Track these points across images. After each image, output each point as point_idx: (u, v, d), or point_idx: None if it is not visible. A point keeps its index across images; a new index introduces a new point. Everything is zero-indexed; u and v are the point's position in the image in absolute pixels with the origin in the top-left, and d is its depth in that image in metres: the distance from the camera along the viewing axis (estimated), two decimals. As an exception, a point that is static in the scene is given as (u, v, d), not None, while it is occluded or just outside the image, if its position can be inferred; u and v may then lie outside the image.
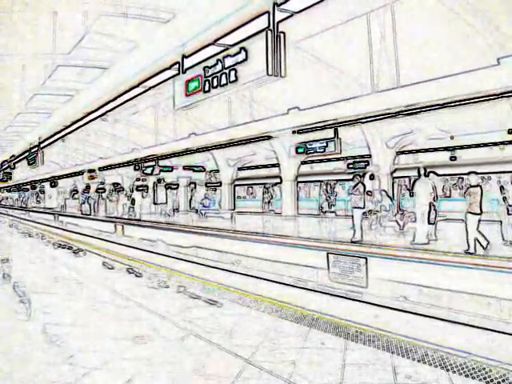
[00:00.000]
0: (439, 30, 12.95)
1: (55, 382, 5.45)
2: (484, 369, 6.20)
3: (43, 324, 7.59)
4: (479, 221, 11.22)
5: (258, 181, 31.70)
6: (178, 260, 16.69)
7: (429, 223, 12.18)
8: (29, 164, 27.61)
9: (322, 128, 17.01)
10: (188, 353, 6.32)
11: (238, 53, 8.85)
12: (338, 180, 26.61)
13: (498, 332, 8.54)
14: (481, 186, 11.48)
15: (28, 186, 54.94)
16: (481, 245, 11.16)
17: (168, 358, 6.14)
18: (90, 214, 34.08)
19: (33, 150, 26.79)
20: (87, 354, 6.24)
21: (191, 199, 33.54)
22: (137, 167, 29.02)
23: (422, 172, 13.02)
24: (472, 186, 11.50)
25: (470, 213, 11.31)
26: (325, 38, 14.23)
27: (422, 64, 13.80)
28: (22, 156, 30.40)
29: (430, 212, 12.36)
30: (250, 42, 8.76)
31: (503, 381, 5.94)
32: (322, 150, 17.36)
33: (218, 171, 29.67)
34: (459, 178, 20.86)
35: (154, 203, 32.71)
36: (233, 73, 9.00)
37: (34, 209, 50.94)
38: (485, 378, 5.95)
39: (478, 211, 11.24)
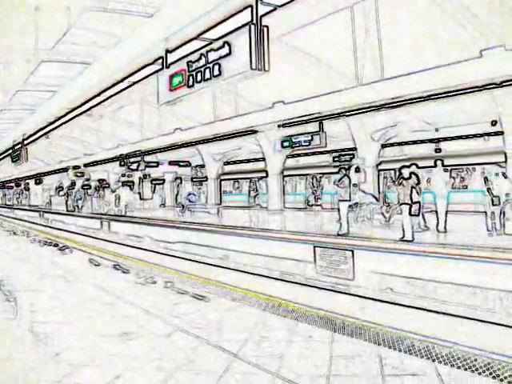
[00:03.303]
0: (422, 22, 13.01)
1: (42, 381, 5.42)
2: (469, 358, 6.27)
3: (30, 322, 7.55)
4: (410, 210, 12.19)
5: (244, 175, 31.68)
6: (165, 255, 16.65)
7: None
8: (13, 161, 27.37)
9: (307, 121, 17.04)
10: (175, 348, 6.32)
11: (222, 47, 8.82)
12: (323, 173, 26.67)
13: (484, 322, 8.63)
14: (414, 178, 12.43)
15: (12, 184, 54.51)
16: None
17: (155, 353, 6.13)
18: (75, 211, 33.85)
19: (16, 147, 26.55)
20: (74, 352, 6.22)
21: (177, 194, 33.47)
22: (122, 163, 28.88)
23: (440, 163, 14.09)
24: (404, 179, 12.38)
25: (404, 203, 12.26)
26: (309, 32, 14.23)
27: (406, 57, 13.86)
28: (6, 153, 30.13)
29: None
30: (233, 36, 8.73)
31: (487, 369, 6.01)
32: (307, 144, 17.40)
33: (203, 166, 29.61)
34: (444, 170, 20.99)
35: (140, 199, 32.61)
36: (216, 67, 8.97)
37: (20, 206, 50.51)
38: (470, 368, 6.02)
39: (409, 201, 12.17)
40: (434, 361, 6.12)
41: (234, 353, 6.12)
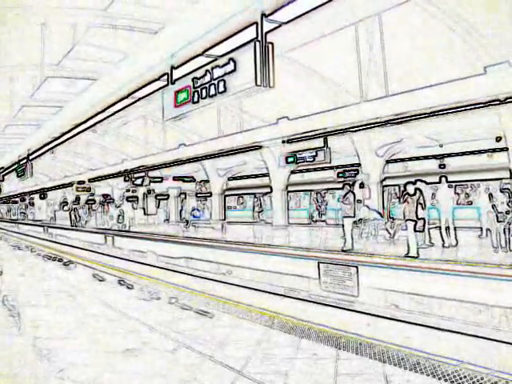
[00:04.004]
0: (427, 39, 13.06)
1: (45, 397, 5.39)
2: (476, 376, 6.20)
3: (33, 338, 7.52)
4: (415, 226, 12.15)
5: (249, 190, 31.69)
6: (170, 271, 16.62)
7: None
8: (18, 176, 27.40)
9: (311, 137, 17.08)
10: (179, 365, 6.28)
11: (227, 63, 8.85)
12: (328, 189, 26.67)
13: (490, 339, 8.55)
14: (418, 195, 12.44)
15: (17, 199, 54.65)
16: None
17: (159, 370, 6.09)
18: (79, 226, 33.87)
19: (22, 162, 26.59)
20: (78, 368, 6.18)
21: (181, 210, 33.49)
22: (127, 178, 28.95)
23: (444, 179, 14.08)
24: (410, 195, 12.39)
25: (409, 219, 12.19)
26: (313, 48, 14.29)
27: (410, 73, 13.90)
28: (11, 168, 30.19)
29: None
30: (238, 53, 8.77)
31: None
32: (311, 160, 17.41)
33: (207, 181, 29.65)
34: (449, 185, 20.95)
35: (145, 214, 32.63)
36: (221, 83, 9.00)
37: (24, 221, 50.60)
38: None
39: (414, 217, 12.16)
40: (440, 379, 6.07)
41: (239, 370, 6.07)
